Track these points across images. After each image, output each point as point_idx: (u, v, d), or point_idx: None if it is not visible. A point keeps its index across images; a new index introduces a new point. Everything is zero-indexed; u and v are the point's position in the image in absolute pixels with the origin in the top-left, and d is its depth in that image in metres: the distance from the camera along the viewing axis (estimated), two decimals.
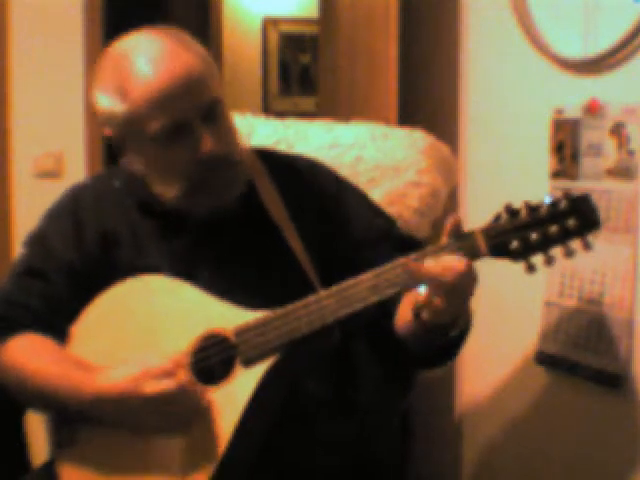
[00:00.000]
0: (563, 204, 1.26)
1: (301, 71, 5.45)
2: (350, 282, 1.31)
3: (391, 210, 1.85)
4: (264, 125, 2.14)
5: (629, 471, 1.90)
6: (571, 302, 2.01)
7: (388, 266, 1.30)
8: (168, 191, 1.44)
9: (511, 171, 2.23)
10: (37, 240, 1.54)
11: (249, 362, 1.33)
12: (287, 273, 1.47)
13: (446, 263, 1.25)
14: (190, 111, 1.37)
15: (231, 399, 1.32)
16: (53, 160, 2.82)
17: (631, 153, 1.84)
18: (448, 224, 1.29)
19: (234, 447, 1.31)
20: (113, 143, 1.47)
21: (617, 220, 1.86)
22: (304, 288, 1.38)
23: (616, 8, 1.87)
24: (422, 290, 1.30)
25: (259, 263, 1.48)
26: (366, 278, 1.30)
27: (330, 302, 1.31)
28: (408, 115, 2.49)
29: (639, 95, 1.83)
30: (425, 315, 1.30)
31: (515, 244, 1.26)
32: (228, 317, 1.36)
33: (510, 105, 2.24)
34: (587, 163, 1.95)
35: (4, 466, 1.60)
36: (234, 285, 1.42)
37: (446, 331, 1.33)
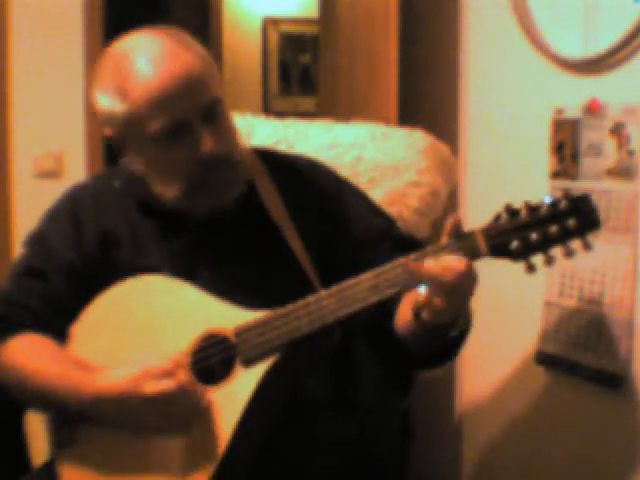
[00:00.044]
0: (563, 204, 1.26)
1: (301, 71, 5.45)
2: (350, 282, 1.31)
3: (391, 210, 1.85)
4: (264, 125, 2.14)
5: (629, 471, 1.90)
6: (571, 302, 2.01)
7: (388, 266, 1.30)
8: (168, 191, 1.44)
9: (511, 171, 2.23)
10: (37, 240, 1.54)
11: (249, 362, 1.33)
12: (287, 273, 1.47)
13: (446, 263, 1.25)
14: (190, 111, 1.37)
15: (231, 399, 1.32)
16: (53, 160, 2.82)
17: (631, 153, 1.84)
18: (448, 224, 1.29)
19: (234, 447, 1.31)
20: (113, 143, 1.47)
21: (617, 220, 1.86)
22: (304, 288, 1.38)
23: (616, 8, 1.87)
24: (422, 290, 1.30)
25: (259, 263, 1.48)
26: (366, 278, 1.30)
27: (330, 302, 1.31)
28: (408, 115, 2.49)
29: (639, 95, 1.83)
30: (425, 315, 1.30)
31: (515, 244, 1.26)
32: (228, 317, 1.36)
33: (510, 105, 2.24)
34: (587, 163, 1.95)
35: (4, 466, 1.60)
36: (234, 285, 1.42)
37: (446, 331, 1.33)
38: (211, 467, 1.31)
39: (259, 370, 1.33)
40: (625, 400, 1.89)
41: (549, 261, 1.27)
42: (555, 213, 1.26)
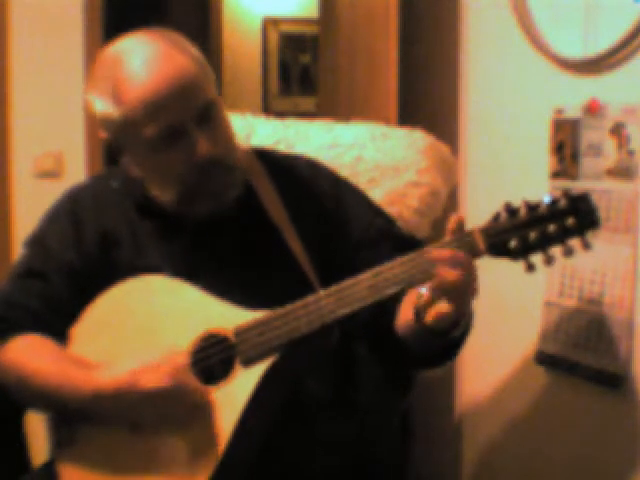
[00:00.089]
0: (562, 203, 1.26)
1: (301, 71, 5.45)
2: (349, 282, 1.31)
3: (391, 210, 1.86)
4: (264, 125, 2.14)
5: (629, 471, 1.90)
6: (571, 302, 2.01)
7: (387, 266, 1.30)
8: (165, 194, 1.44)
9: (511, 171, 2.23)
10: (37, 241, 1.54)
11: (249, 362, 1.33)
12: (287, 273, 1.47)
13: (451, 252, 1.25)
14: (185, 114, 1.37)
15: (231, 399, 1.32)
16: (53, 160, 2.81)
17: (631, 153, 1.84)
18: (452, 222, 1.28)
19: (234, 447, 1.31)
20: (110, 146, 1.47)
21: (617, 220, 1.86)
22: (304, 288, 1.38)
23: (616, 8, 1.87)
24: (423, 290, 1.30)
25: (259, 263, 1.48)
26: (365, 278, 1.30)
27: (329, 302, 1.31)
28: (408, 115, 2.49)
29: (639, 95, 1.83)
30: (428, 319, 1.30)
31: (514, 243, 1.26)
32: (228, 317, 1.36)
33: (510, 105, 2.24)
34: (587, 163, 1.95)
35: (4, 466, 1.60)
36: (234, 285, 1.42)
37: (447, 332, 1.33)
38: (211, 467, 1.31)
39: (259, 370, 1.33)
40: (625, 400, 1.89)
41: (549, 260, 1.27)
42: (554, 212, 1.26)
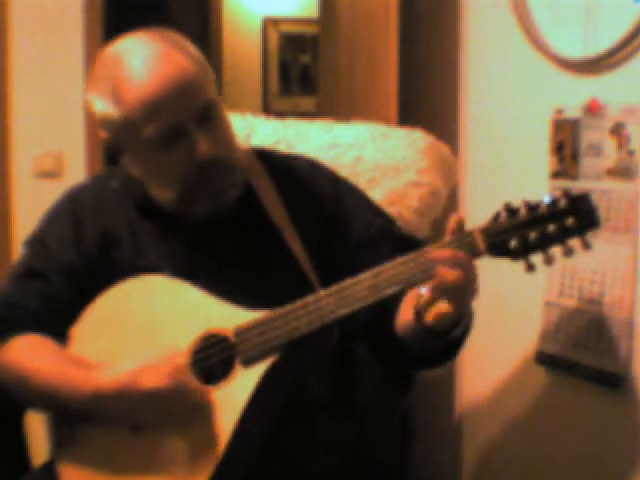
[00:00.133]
0: (562, 203, 1.26)
1: (301, 71, 5.45)
2: (349, 282, 1.31)
3: (391, 210, 1.85)
4: (264, 125, 2.14)
5: (629, 471, 1.90)
6: (571, 302, 2.01)
7: (387, 265, 1.30)
8: (165, 194, 1.44)
9: (511, 171, 2.23)
10: (37, 241, 1.54)
11: (249, 362, 1.33)
12: (287, 273, 1.47)
13: (451, 252, 1.25)
14: (185, 114, 1.37)
15: (231, 399, 1.32)
16: (53, 160, 2.81)
17: (631, 153, 1.84)
18: (452, 222, 1.28)
19: (234, 447, 1.31)
20: (110, 146, 1.47)
21: (617, 220, 1.86)
22: (304, 288, 1.38)
23: (616, 8, 1.87)
24: (423, 290, 1.30)
25: (259, 263, 1.48)
26: (365, 278, 1.30)
27: (329, 302, 1.31)
28: (408, 115, 2.49)
29: (639, 95, 1.83)
30: (428, 319, 1.30)
31: (514, 243, 1.26)
32: (228, 317, 1.36)
33: (510, 105, 2.24)
34: (587, 163, 1.95)
35: (4, 466, 1.60)
36: (234, 285, 1.42)
37: (447, 332, 1.33)
38: (211, 467, 1.31)
39: (259, 370, 1.33)
40: (625, 400, 1.89)
41: (549, 260, 1.27)
42: (554, 212, 1.26)
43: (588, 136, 1.94)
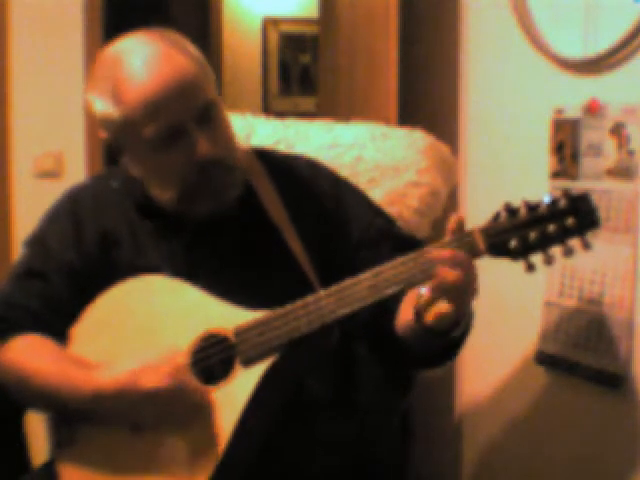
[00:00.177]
0: (562, 203, 1.26)
1: (301, 71, 5.45)
2: (349, 282, 1.31)
3: (391, 210, 1.86)
4: (264, 125, 2.14)
5: (629, 471, 1.90)
6: (571, 302, 2.01)
7: (387, 265, 1.30)
8: (165, 194, 1.44)
9: (511, 171, 2.23)
10: (37, 241, 1.54)
11: (249, 362, 1.33)
12: (287, 273, 1.47)
13: (452, 252, 1.25)
14: (184, 114, 1.37)
15: (231, 399, 1.32)
16: (53, 160, 2.81)
17: (631, 153, 1.84)
18: (452, 222, 1.28)
19: (234, 447, 1.31)
20: (110, 146, 1.47)
21: (617, 220, 1.86)
22: (304, 288, 1.38)
23: (616, 8, 1.87)
24: (423, 290, 1.30)
25: (259, 263, 1.48)
26: (365, 278, 1.30)
27: (329, 302, 1.31)
28: (408, 115, 2.49)
29: (639, 95, 1.83)
30: (428, 319, 1.30)
31: (514, 243, 1.26)
32: (228, 317, 1.36)
33: (510, 105, 2.24)
34: (587, 163, 1.95)
35: (4, 466, 1.60)
36: (234, 285, 1.42)
37: (447, 332, 1.33)
38: (211, 467, 1.31)
39: (259, 370, 1.33)
40: (625, 400, 1.89)
41: (549, 260, 1.27)
42: (554, 212, 1.26)
43: (588, 136, 1.94)
